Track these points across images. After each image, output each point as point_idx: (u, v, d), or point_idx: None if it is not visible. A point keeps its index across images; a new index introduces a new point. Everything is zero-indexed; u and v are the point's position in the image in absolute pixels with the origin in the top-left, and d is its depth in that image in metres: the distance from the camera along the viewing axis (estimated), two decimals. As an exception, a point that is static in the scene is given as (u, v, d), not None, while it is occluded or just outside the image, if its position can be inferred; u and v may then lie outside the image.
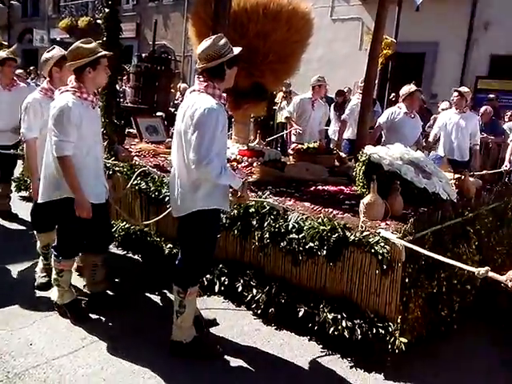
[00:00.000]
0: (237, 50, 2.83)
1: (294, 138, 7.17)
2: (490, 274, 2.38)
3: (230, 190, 2.95)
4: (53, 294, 3.53)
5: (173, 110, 7.14)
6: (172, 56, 18.65)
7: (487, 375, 3.12)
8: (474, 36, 12.58)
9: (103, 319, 3.49)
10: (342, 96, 9.24)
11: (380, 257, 2.95)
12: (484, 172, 6.61)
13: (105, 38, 5.29)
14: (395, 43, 10.22)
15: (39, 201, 3.34)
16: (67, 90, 3.13)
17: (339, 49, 14.20)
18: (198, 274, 3.14)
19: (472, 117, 6.52)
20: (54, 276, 3.45)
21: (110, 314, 3.53)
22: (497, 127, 8.66)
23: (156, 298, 3.82)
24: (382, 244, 2.95)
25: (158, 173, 4.47)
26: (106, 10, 5.33)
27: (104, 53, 3.19)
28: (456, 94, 6.39)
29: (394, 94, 11.26)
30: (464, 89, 6.51)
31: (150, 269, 4.35)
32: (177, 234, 3.12)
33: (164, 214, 3.81)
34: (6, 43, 15.53)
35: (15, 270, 4.19)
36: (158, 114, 6.76)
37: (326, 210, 3.53)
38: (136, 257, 4.61)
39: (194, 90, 2.85)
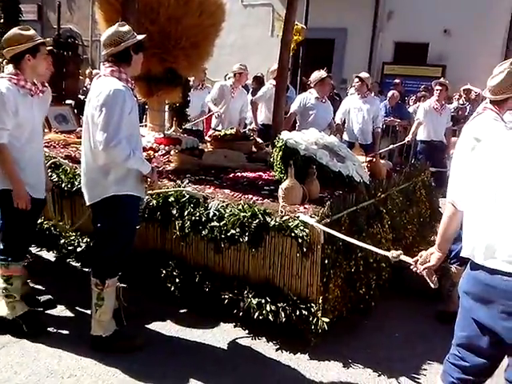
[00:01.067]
0: (140, 36, 2.87)
1: (213, 125, 7.14)
2: (402, 257, 2.50)
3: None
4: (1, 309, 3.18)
5: (82, 97, 6.81)
6: (79, 41, 17.75)
7: (405, 347, 3.32)
8: (379, 24, 13.17)
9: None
10: (257, 82, 9.27)
11: (300, 240, 3.02)
12: (391, 147, 7.06)
13: (2, 20, 4.94)
14: (305, 29, 10.42)
15: None
16: (2, 77, 2.95)
17: (251, 34, 14.26)
18: (117, 265, 3.04)
19: (373, 101, 6.90)
20: (1, 285, 3.14)
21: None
22: (403, 110, 9.20)
23: (77, 295, 3.64)
24: (302, 228, 3.02)
25: (70, 164, 4.25)
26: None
27: (43, 40, 3.06)
28: (357, 80, 6.71)
29: (304, 78, 11.56)
30: (364, 74, 6.84)
31: (67, 266, 4.17)
32: (92, 222, 3.04)
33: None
34: None
35: None
36: (68, 101, 6.41)
37: (246, 196, 3.54)
38: (51, 253, 4.39)
39: (100, 76, 2.85)
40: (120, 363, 2.91)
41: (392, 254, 2.57)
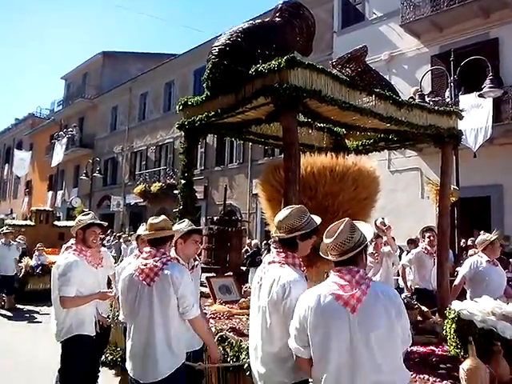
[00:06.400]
0: (318, 220, 2.92)
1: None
2: None
3: None
4: None
5: (244, 268, 7.24)
6: (238, 214, 19.59)
7: None
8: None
9: None
10: (413, 244, 9.11)
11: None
12: None
13: (181, 207, 5.68)
14: (458, 190, 10.27)
15: None
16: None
17: (400, 198, 14.40)
18: None
19: None
20: None
21: None
22: None
23: None
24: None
25: (235, 337, 4.37)
26: (182, 182, 5.80)
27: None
28: None
29: (463, 241, 11.01)
30: None
31: None
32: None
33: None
34: (86, 210, 16.92)
35: None
36: (229, 273, 6.86)
37: (422, 376, 3.24)
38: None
39: (273, 262, 2.87)
40: None
41: None
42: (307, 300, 2.48)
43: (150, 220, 3.48)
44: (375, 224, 6.87)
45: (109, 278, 5.26)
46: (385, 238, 6.80)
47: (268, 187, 5.31)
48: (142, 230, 4.61)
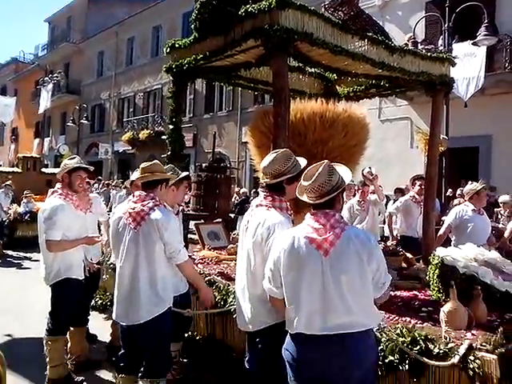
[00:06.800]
0: (303, 162, 2.90)
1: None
2: None
3: None
4: None
5: (232, 215, 7.27)
6: (227, 162, 19.52)
7: None
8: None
9: None
10: (400, 193, 9.19)
11: (471, 372, 2.69)
12: None
13: (169, 153, 5.63)
14: (447, 140, 10.26)
15: None
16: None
17: (390, 148, 14.39)
18: None
19: None
20: None
21: None
22: None
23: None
24: (472, 358, 2.71)
25: (223, 281, 4.44)
26: (170, 127, 5.72)
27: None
28: None
29: (450, 190, 11.12)
30: None
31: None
32: (249, 347, 3.01)
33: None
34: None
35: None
36: (218, 219, 6.89)
37: (403, 318, 3.33)
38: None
39: (260, 205, 2.88)
40: None
41: None
42: (282, 242, 2.50)
43: (142, 164, 3.44)
44: (362, 173, 6.89)
45: (99, 223, 5.24)
46: (372, 187, 6.82)
47: (257, 133, 5.26)
48: (136, 175, 4.55)
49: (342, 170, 2.60)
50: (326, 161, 2.53)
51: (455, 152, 11.38)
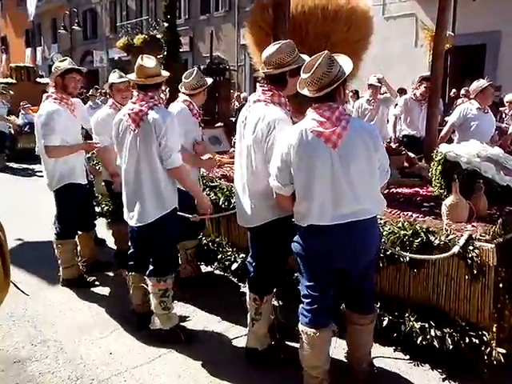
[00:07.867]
0: (306, 58, 2.72)
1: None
2: None
3: None
4: (155, 323, 3.38)
5: (233, 119, 7.17)
6: (226, 66, 18.93)
7: None
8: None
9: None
10: (403, 93, 8.99)
11: (469, 261, 2.77)
12: None
13: (165, 53, 5.41)
14: (453, 36, 9.82)
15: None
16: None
17: (394, 47, 13.84)
18: (274, 282, 3.08)
19: None
20: (159, 299, 3.29)
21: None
22: None
23: (231, 307, 3.78)
24: (471, 247, 2.77)
25: (227, 183, 4.46)
26: (165, 25, 5.45)
27: None
28: None
29: (454, 90, 10.83)
30: None
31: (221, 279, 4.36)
32: (251, 242, 3.07)
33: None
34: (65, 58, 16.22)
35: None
36: (219, 124, 6.80)
37: (405, 213, 3.38)
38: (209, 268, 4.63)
39: (258, 100, 2.78)
40: (269, 377, 2.95)
41: None
42: (289, 138, 2.46)
43: (141, 62, 3.17)
44: (368, 85, 6.81)
45: (87, 131, 5.02)
46: (383, 89, 6.73)
47: (256, 29, 5.00)
48: (116, 77, 4.35)
49: (343, 61, 2.49)
50: (326, 51, 2.41)
51: (461, 50, 10.94)
